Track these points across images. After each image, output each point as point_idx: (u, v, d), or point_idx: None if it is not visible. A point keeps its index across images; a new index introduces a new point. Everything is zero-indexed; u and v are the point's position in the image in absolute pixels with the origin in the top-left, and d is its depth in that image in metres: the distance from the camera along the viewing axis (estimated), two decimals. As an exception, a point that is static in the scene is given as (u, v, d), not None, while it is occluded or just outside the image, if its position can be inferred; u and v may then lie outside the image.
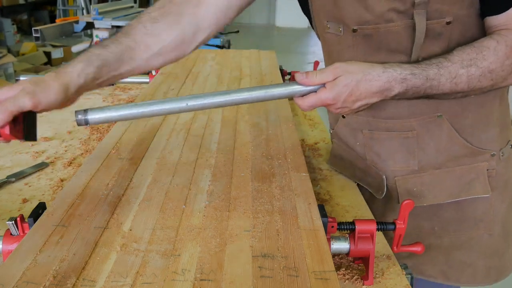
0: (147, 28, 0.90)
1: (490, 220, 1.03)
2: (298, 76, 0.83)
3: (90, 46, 5.12)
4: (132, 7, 5.40)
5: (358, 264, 0.81)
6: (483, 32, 0.88)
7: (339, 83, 0.80)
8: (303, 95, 0.84)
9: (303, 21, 9.98)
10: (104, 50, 0.84)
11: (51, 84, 0.77)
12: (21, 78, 1.89)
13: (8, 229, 0.72)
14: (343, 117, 1.10)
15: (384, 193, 1.05)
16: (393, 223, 0.77)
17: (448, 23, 0.87)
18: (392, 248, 0.81)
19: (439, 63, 0.83)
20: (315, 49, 8.34)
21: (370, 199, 1.08)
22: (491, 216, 1.03)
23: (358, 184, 1.12)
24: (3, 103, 0.73)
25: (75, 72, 0.80)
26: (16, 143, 1.29)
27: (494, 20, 0.85)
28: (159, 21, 0.91)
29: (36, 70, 5.10)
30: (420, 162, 1.00)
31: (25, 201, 0.99)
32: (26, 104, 0.74)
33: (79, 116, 0.82)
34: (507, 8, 0.83)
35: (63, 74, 0.79)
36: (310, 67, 1.82)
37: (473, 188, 1.00)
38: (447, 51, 0.89)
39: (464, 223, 1.03)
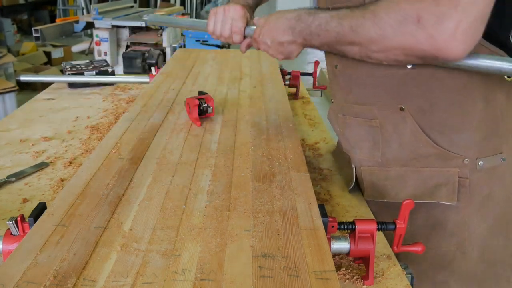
0: None
1: (463, 237, 0.97)
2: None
3: (90, 46, 5.11)
4: (132, 7, 5.40)
5: (358, 264, 0.81)
6: None
7: (257, 22, 1.02)
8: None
9: (303, 21, 9.96)
10: None
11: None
12: (21, 78, 1.89)
13: (9, 229, 0.72)
14: (332, 101, 1.13)
15: (353, 183, 1.06)
16: (394, 223, 0.77)
17: None
18: (392, 248, 0.81)
19: (332, 9, 0.87)
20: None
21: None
22: (464, 233, 0.97)
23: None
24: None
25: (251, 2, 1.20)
26: (16, 142, 1.29)
27: None
28: None
29: (36, 70, 5.10)
30: (384, 154, 0.99)
31: (25, 201, 0.99)
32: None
33: (144, 16, 1.26)
34: None
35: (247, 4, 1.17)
36: (310, 67, 1.83)
37: (438, 193, 0.95)
38: None
39: (434, 233, 0.98)
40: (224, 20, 1.06)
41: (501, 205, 0.98)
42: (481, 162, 0.94)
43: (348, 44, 0.83)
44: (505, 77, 0.91)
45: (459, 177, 0.94)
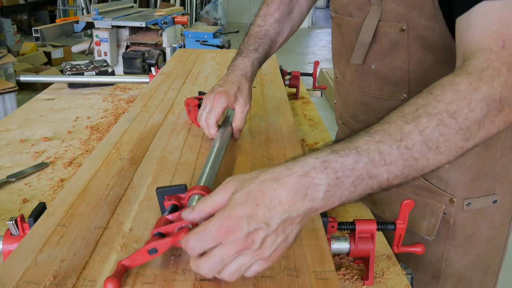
0: (275, 29, 1.12)
1: (440, 269, 0.95)
2: (184, 214, 0.59)
3: (90, 46, 5.11)
4: (132, 7, 5.40)
5: (358, 264, 0.81)
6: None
7: (234, 197, 0.54)
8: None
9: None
10: (258, 53, 1.08)
11: (243, 83, 1.02)
12: (21, 78, 1.89)
13: (8, 229, 0.72)
14: (334, 102, 1.13)
15: None
16: (393, 223, 0.77)
17: (402, 30, 0.80)
18: (392, 249, 0.81)
19: (369, 129, 0.58)
20: (315, 49, 8.33)
21: None
22: (441, 265, 0.95)
23: None
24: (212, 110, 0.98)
25: (249, 72, 1.05)
26: (16, 142, 1.29)
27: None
28: (281, 21, 1.13)
29: (36, 70, 5.10)
30: None
31: (25, 201, 0.99)
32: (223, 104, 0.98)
33: None
34: (466, 9, 0.63)
35: (244, 74, 1.04)
36: (310, 67, 1.83)
37: (420, 224, 0.93)
38: (407, 66, 0.82)
39: (412, 258, 0.92)
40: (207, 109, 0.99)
41: (484, 243, 0.94)
42: (469, 202, 0.89)
43: (423, 168, 0.58)
44: None
45: (444, 213, 0.91)
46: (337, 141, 0.58)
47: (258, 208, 0.52)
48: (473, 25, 0.61)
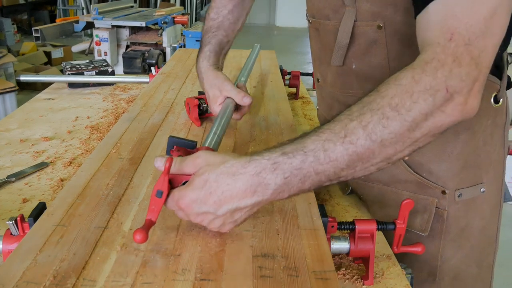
0: (230, 20, 1.16)
1: (435, 266, 0.95)
2: (156, 163, 0.68)
3: (90, 46, 5.12)
4: (132, 7, 5.41)
5: (358, 264, 0.81)
6: None
7: (195, 177, 0.64)
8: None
9: (303, 21, 9.96)
10: (211, 45, 1.13)
11: (217, 74, 1.08)
12: (21, 78, 1.89)
13: (8, 229, 0.72)
14: (317, 108, 1.12)
15: (349, 190, 1.06)
16: (393, 223, 0.77)
17: (379, 27, 0.81)
18: (392, 248, 0.81)
19: (318, 128, 0.63)
20: (315, 49, 8.32)
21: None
22: (437, 262, 0.95)
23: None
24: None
25: (213, 60, 1.11)
26: (16, 142, 1.29)
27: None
28: (235, 11, 1.16)
29: (36, 70, 5.10)
30: None
31: (25, 201, 0.99)
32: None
33: None
34: (423, 7, 0.64)
35: (213, 63, 1.11)
36: (310, 67, 1.84)
37: (413, 220, 0.92)
38: (387, 62, 0.83)
39: (407, 257, 0.90)
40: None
41: (476, 235, 0.95)
42: (460, 193, 0.90)
43: (366, 160, 0.62)
44: (492, 102, 0.87)
45: (437, 207, 0.91)
46: (290, 140, 0.64)
47: (210, 196, 0.62)
48: (429, 21, 0.63)
